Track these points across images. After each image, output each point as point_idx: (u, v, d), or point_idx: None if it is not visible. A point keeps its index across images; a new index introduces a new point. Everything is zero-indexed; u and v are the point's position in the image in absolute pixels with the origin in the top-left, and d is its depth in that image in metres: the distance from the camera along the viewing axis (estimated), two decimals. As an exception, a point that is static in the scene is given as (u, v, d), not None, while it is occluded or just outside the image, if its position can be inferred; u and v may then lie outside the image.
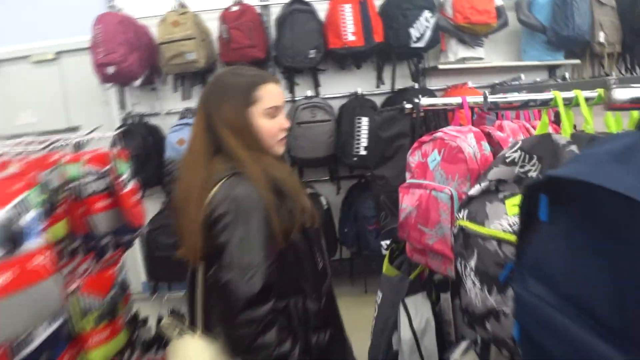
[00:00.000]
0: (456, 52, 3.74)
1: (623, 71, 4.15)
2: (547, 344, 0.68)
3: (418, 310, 1.56)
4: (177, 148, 3.34)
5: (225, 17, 3.46)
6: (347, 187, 3.89)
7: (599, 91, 0.91)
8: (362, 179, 3.82)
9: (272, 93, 1.30)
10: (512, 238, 0.93)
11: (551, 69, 3.99)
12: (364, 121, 3.48)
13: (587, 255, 0.62)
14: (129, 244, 2.09)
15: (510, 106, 1.12)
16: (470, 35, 3.66)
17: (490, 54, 3.90)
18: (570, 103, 1.05)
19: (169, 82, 3.82)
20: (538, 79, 3.81)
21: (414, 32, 3.40)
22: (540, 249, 0.74)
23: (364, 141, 3.47)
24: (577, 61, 3.90)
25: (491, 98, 1.08)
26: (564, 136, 0.98)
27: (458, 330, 1.54)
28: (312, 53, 3.43)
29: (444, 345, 1.55)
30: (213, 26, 3.59)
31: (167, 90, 3.86)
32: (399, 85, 3.81)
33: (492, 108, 1.08)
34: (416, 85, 3.73)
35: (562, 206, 0.69)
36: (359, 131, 3.47)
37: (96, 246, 1.92)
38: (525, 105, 1.10)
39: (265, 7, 3.76)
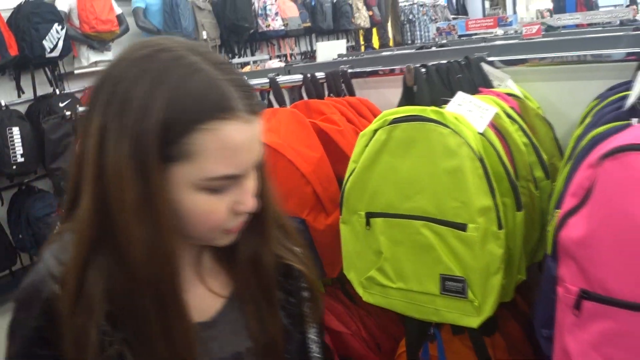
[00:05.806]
0: (88, 57, 4.21)
1: (224, 59, 5.45)
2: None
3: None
4: None
5: None
6: (9, 196, 3.96)
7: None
8: (23, 185, 3.95)
9: (228, 146, 0.61)
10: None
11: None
12: (15, 130, 3.65)
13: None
14: None
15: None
16: (99, 41, 4.19)
17: (119, 56, 4.52)
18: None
19: None
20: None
21: (47, 44, 3.71)
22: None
23: (19, 149, 3.65)
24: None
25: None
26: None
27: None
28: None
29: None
30: None
31: None
32: (40, 92, 4.03)
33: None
34: (57, 91, 4.06)
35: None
36: (12, 141, 3.64)
37: None
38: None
39: None
